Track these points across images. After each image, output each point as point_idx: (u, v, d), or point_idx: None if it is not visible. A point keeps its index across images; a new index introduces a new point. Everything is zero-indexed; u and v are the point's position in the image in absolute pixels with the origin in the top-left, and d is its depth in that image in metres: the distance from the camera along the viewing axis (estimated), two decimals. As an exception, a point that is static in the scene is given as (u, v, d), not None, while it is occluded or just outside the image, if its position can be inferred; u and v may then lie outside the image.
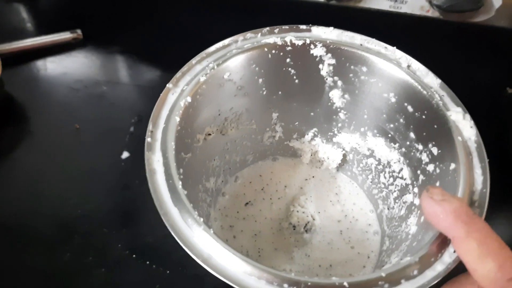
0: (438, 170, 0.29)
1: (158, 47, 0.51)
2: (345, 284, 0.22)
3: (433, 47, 0.53)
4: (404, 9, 0.49)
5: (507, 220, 0.41)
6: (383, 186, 0.36)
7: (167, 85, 0.30)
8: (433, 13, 0.49)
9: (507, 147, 0.47)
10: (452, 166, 0.28)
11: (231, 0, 0.54)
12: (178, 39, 0.52)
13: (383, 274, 0.23)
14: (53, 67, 0.49)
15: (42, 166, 0.41)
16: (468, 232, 0.21)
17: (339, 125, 0.37)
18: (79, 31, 0.50)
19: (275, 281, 0.22)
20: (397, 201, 0.34)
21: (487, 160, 0.28)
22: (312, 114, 0.37)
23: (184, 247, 0.23)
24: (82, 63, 0.50)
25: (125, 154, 0.41)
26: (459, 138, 0.28)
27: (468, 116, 0.29)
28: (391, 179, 0.35)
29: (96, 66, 0.50)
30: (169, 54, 0.51)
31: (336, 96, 0.35)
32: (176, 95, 0.29)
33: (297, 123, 0.38)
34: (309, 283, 0.22)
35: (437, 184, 0.29)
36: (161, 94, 0.29)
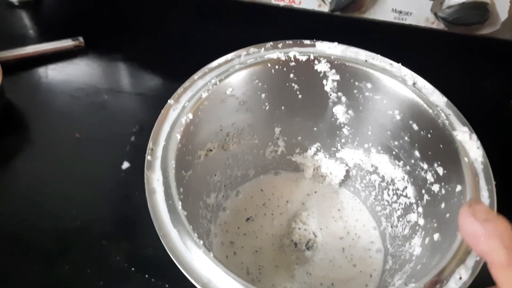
0: (443, 191, 0.29)
1: (160, 55, 0.51)
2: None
3: (437, 59, 0.52)
4: (409, 20, 0.49)
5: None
6: (386, 203, 0.35)
7: (169, 101, 0.29)
8: (438, 25, 0.49)
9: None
10: (458, 188, 0.27)
11: (234, 9, 0.54)
12: (181, 48, 0.52)
13: (387, 301, 0.22)
14: (54, 74, 0.48)
15: (42, 175, 0.40)
16: (511, 259, 0.19)
17: (343, 140, 0.37)
18: (81, 39, 0.50)
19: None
20: (400, 219, 0.33)
21: (494, 183, 0.27)
22: (315, 129, 0.37)
23: (183, 271, 0.23)
24: (83, 71, 0.49)
25: (126, 164, 0.41)
26: (466, 159, 0.28)
27: (474, 136, 0.29)
28: (395, 197, 0.34)
29: (98, 74, 0.49)
30: (171, 63, 0.50)
31: (340, 112, 0.35)
32: (178, 111, 0.29)
33: (299, 137, 0.38)
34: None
35: (442, 205, 0.28)
36: (162, 110, 0.29)
